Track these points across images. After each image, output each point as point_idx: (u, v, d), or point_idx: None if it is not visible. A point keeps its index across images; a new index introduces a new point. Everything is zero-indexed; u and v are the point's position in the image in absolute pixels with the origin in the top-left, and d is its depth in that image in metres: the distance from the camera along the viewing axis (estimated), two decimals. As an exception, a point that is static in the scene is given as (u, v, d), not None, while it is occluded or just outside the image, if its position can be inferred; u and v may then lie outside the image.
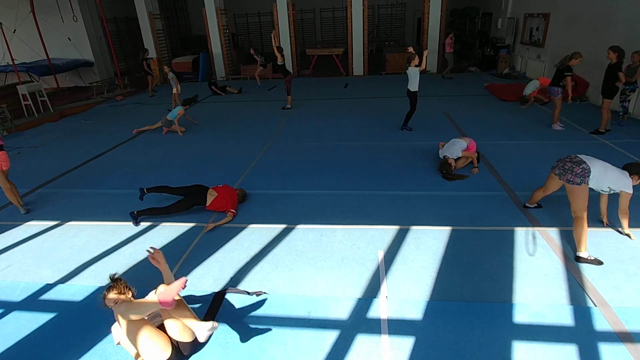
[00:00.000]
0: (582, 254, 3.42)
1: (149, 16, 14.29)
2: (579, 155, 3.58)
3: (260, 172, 5.76)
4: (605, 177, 3.45)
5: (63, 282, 3.49)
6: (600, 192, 3.60)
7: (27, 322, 3.03)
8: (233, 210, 4.41)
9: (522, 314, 2.88)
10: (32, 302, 3.26)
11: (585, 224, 3.41)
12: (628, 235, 3.71)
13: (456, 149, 5.32)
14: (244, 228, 4.24)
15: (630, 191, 3.45)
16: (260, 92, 12.03)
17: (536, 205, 4.31)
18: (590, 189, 3.53)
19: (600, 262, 3.39)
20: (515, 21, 12.93)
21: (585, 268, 3.34)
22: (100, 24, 14.48)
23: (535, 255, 3.54)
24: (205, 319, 2.96)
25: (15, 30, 12.26)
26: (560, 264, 3.41)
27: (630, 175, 3.49)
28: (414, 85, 7.08)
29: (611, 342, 2.60)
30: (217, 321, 2.91)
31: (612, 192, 3.56)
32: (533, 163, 5.58)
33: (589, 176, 3.42)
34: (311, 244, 3.88)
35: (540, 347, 2.60)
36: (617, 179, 3.46)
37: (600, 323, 2.77)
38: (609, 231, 3.85)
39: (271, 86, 12.80)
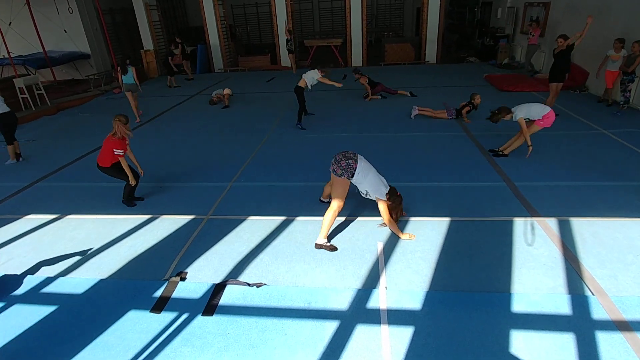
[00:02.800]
0: (320, 240, 3.63)
1: (145, 7, 14.13)
2: (355, 154, 3.60)
3: (259, 164, 5.76)
4: (365, 181, 3.53)
5: (64, 275, 3.50)
6: (362, 194, 3.70)
7: (28, 315, 3.05)
8: (117, 153, 4.33)
9: (520, 304, 2.90)
10: (33, 295, 3.28)
11: (336, 214, 3.60)
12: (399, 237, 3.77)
13: (536, 110, 5.14)
14: (244, 220, 4.25)
15: (384, 198, 3.57)
16: (260, 84, 11.95)
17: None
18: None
19: (334, 249, 3.60)
20: (515, 10, 12.82)
21: (583, 257, 3.36)
22: (96, 16, 14.31)
23: (534, 245, 3.56)
24: (205, 311, 2.99)
25: (10, 22, 12.12)
26: (559, 254, 3.42)
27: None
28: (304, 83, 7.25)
29: (608, 331, 2.63)
30: (218, 313, 2.95)
31: (369, 197, 3.65)
32: (533, 153, 5.57)
33: (351, 173, 3.49)
34: (311, 235, 3.89)
35: (538, 336, 2.62)
36: (375, 186, 3.55)
37: (598, 312, 2.79)
38: (608, 221, 3.86)
39: (270, 77, 12.73)
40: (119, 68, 8.41)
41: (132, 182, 4.47)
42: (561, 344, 2.56)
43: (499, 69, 12.08)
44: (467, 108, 7.16)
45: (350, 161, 3.50)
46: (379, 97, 9.29)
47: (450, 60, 14.44)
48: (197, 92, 11.16)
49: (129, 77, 8.32)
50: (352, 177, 3.52)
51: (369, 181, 3.54)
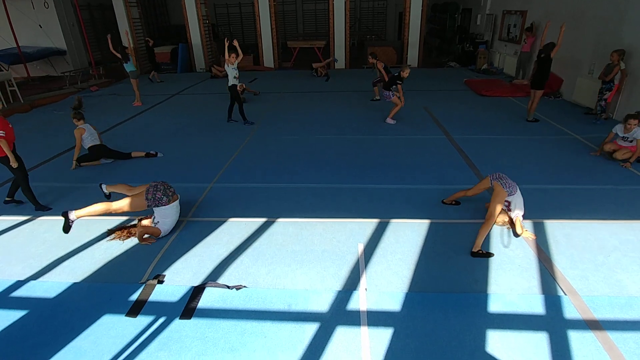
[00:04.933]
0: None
1: (124, 4, 13.83)
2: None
3: (240, 166, 5.71)
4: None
5: (35, 279, 3.38)
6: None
7: (-4, 320, 2.93)
8: None
9: (496, 304, 2.96)
10: (2, 300, 3.15)
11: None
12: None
13: None
14: (224, 222, 4.20)
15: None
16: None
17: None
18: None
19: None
20: (494, 18, 13.15)
21: (556, 259, 3.46)
22: (73, 11, 13.93)
23: (509, 247, 3.65)
24: (183, 315, 2.94)
25: (-19, 16, 11.68)
26: (533, 255, 3.52)
27: None
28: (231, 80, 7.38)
29: (580, 330, 2.71)
30: (197, 316, 2.90)
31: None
32: (509, 157, 5.72)
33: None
34: (291, 237, 3.88)
35: (513, 335, 2.68)
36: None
37: (570, 311, 2.88)
38: (579, 223, 3.99)
39: (252, 78, 12.65)
40: (120, 56, 8.98)
41: (14, 164, 4.27)
42: (535, 342, 2.63)
43: (478, 74, 12.36)
44: (399, 85, 7.22)
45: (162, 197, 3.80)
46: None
47: (431, 64, 14.69)
48: (178, 92, 10.99)
49: (130, 64, 9.02)
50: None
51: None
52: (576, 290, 3.08)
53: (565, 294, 3.04)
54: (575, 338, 2.65)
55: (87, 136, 5.73)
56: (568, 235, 3.79)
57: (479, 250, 3.53)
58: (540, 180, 4.98)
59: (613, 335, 2.65)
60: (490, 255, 3.52)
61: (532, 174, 5.13)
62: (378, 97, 9.25)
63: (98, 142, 5.83)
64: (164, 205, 3.79)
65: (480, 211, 4.27)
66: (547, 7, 9.88)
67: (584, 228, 3.91)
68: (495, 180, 3.77)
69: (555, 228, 3.92)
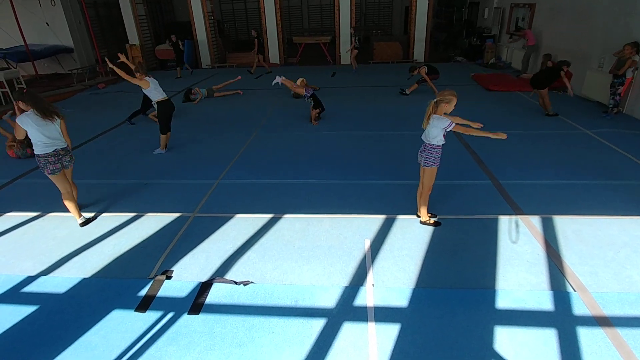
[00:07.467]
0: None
1: (130, 1, 13.88)
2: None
3: (246, 161, 5.72)
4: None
5: (45, 274, 3.43)
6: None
7: (8, 315, 2.97)
8: None
9: (504, 300, 2.95)
10: (13, 295, 3.20)
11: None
12: None
13: None
14: (231, 218, 4.21)
15: None
16: (249, 81, 11.86)
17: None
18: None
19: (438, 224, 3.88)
20: (502, 11, 12.99)
21: (565, 254, 3.43)
22: (79, 9, 13.99)
23: (518, 243, 3.62)
24: (191, 310, 2.96)
25: (-10, 14, 11.78)
26: (542, 251, 3.49)
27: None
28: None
29: (589, 326, 2.69)
30: (205, 312, 2.92)
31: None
32: (516, 152, 5.67)
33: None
34: (298, 233, 3.89)
35: (521, 332, 2.67)
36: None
37: (579, 308, 2.85)
38: (589, 218, 3.95)
39: (258, 74, 12.64)
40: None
41: None
42: (544, 339, 2.61)
43: (485, 69, 12.24)
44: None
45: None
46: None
47: (437, 59, 14.56)
48: (183, 89, 11.00)
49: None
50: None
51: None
52: (585, 286, 3.05)
53: (575, 290, 3.01)
54: (585, 335, 2.63)
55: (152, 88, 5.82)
56: (577, 231, 3.75)
57: (427, 220, 3.95)
58: (549, 175, 4.93)
59: (623, 332, 2.63)
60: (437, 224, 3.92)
61: (540, 169, 5.08)
62: (408, 92, 9.33)
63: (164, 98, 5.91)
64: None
65: (488, 206, 4.24)
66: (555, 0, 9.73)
67: (594, 224, 3.86)
68: (423, 166, 3.95)
69: (564, 224, 3.89)
